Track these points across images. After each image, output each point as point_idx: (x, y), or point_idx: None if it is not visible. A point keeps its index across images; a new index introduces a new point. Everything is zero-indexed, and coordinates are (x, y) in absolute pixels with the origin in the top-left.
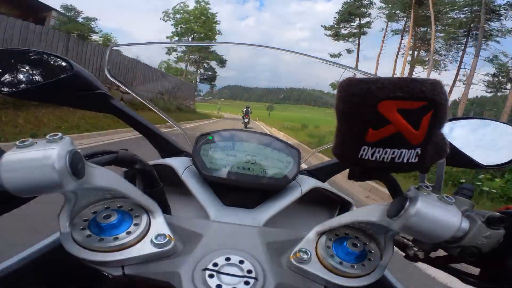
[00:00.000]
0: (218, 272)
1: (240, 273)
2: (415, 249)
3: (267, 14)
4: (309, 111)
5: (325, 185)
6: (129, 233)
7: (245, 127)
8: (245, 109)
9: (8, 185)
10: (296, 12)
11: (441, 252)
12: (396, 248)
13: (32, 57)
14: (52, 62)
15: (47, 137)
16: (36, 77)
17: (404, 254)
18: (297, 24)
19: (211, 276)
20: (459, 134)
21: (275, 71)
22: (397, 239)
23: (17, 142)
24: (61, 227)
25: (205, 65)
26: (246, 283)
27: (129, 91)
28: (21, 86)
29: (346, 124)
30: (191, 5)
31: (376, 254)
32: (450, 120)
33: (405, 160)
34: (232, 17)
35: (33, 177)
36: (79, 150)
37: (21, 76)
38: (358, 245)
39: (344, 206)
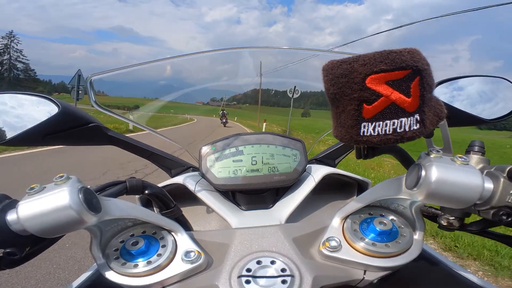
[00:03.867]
0: (253, 276)
1: (275, 274)
2: (447, 217)
3: (295, 20)
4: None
5: (337, 170)
6: (159, 255)
7: (224, 126)
8: (221, 112)
9: (33, 231)
10: (326, 16)
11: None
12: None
13: (12, 101)
14: (35, 103)
15: (54, 179)
16: (22, 121)
17: (437, 224)
18: (327, 29)
19: (247, 282)
20: (456, 94)
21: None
22: (424, 210)
23: (27, 190)
24: (96, 259)
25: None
26: (283, 282)
27: (123, 119)
28: (8, 134)
29: (340, 106)
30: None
31: (407, 229)
32: (440, 83)
33: (407, 128)
34: (260, 24)
35: (54, 221)
36: (88, 186)
37: (5, 122)
38: (386, 222)
39: (361, 187)
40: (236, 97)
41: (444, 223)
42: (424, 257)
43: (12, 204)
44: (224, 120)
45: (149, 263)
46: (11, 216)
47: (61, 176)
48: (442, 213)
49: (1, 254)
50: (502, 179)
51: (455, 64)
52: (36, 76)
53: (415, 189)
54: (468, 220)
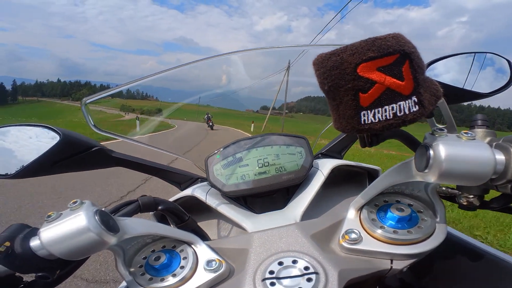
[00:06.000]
0: (277, 278)
1: (298, 273)
2: (466, 196)
3: (349, 26)
4: None
5: (344, 161)
6: (182, 267)
7: (212, 129)
8: (206, 116)
9: (59, 254)
10: (384, 22)
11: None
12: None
13: (13, 133)
14: (36, 134)
15: (69, 205)
16: (26, 153)
17: (457, 205)
18: None
19: (272, 284)
20: (450, 73)
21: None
22: (440, 191)
23: (45, 218)
24: (124, 277)
25: None
26: (309, 280)
27: (125, 140)
28: (14, 168)
29: (337, 98)
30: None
31: (427, 213)
32: (431, 63)
33: (407, 111)
34: (312, 31)
35: (77, 244)
36: (103, 208)
37: (9, 157)
38: (403, 208)
39: (371, 175)
40: (289, 105)
41: (464, 202)
42: (451, 241)
43: (33, 232)
44: (210, 124)
45: (174, 276)
46: (34, 243)
47: (75, 202)
48: (460, 193)
49: (34, 278)
50: (511, 150)
51: None
52: None
53: (426, 170)
54: (488, 197)
